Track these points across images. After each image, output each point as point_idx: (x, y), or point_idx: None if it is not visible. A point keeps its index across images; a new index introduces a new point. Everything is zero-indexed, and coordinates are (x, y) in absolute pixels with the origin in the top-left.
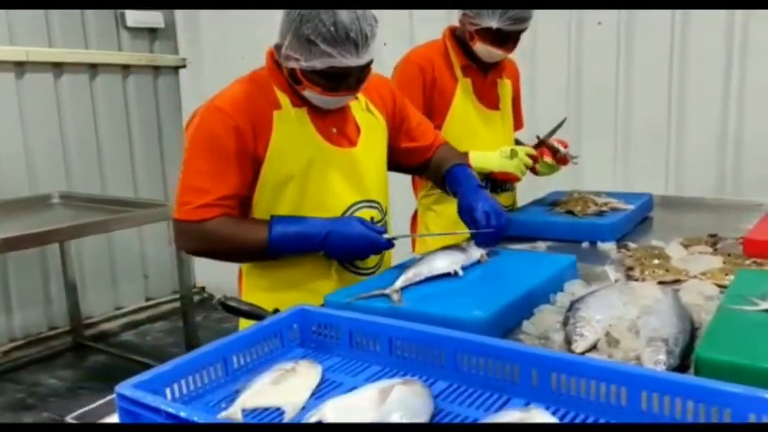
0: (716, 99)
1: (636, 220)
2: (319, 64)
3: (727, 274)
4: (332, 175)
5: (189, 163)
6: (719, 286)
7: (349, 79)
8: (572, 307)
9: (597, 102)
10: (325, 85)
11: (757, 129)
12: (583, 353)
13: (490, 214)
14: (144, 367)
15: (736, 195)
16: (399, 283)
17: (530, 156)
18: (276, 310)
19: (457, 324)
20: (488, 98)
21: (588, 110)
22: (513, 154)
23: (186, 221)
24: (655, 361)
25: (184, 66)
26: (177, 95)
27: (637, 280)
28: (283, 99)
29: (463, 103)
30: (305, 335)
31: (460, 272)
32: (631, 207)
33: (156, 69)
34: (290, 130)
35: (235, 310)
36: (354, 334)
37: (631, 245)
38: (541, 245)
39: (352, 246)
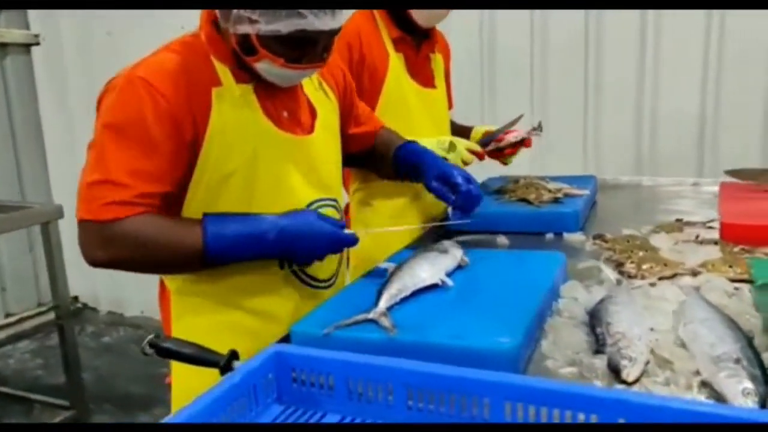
0: (631, 80)
1: (590, 207)
2: (284, 27)
3: (731, 266)
4: (285, 168)
5: (102, 148)
6: (733, 280)
7: (316, 48)
8: (596, 319)
9: (511, 84)
10: (288, 55)
11: (671, 109)
12: (636, 381)
13: (470, 180)
14: (6, 399)
15: (654, 174)
16: (383, 303)
17: (473, 152)
18: (233, 353)
19: (480, 357)
20: (423, 75)
21: (502, 92)
22: (452, 148)
23: (93, 221)
24: (743, 391)
25: (37, 43)
26: (30, 77)
27: (633, 277)
28: (224, 73)
29: (396, 81)
30: (283, 386)
31: (450, 282)
32: (586, 192)
33: (2, 47)
34: (232, 112)
35: (173, 353)
36: (353, 382)
37: (608, 236)
38: (503, 239)
39: (311, 245)
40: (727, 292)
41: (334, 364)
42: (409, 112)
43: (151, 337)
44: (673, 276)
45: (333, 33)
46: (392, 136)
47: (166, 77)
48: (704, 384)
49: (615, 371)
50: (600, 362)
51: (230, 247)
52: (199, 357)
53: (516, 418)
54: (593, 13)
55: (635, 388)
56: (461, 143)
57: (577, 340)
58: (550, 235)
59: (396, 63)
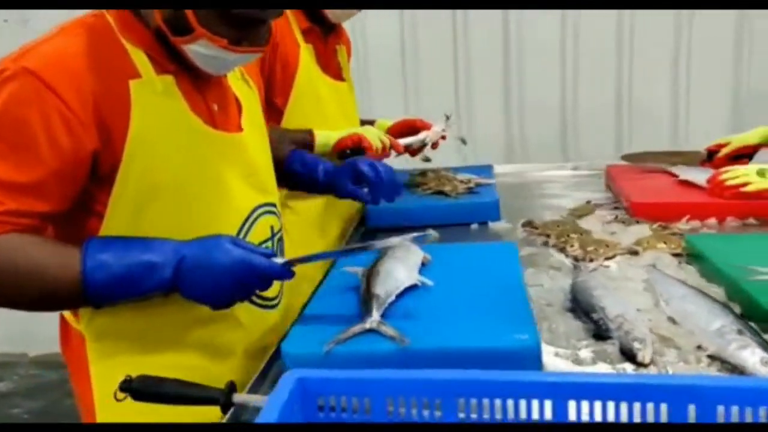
0: (499, 72)
1: None
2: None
3: (665, 242)
4: (223, 172)
5: None
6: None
7: (260, 30)
8: (586, 305)
9: (384, 76)
10: (231, 36)
11: (536, 100)
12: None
13: (376, 166)
14: None
15: (524, 161)
16: (376, 310)
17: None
18: (232, 386)
19: (505, 357)
20: (331, 67)
21: (376, 85)
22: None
23: None
24: (762, 360)
25: None
26: None
27: (581, 260)
28: (141, 61)
29: (308, 73)
30: (309, 416)
31: (429, 282)
32: (493, 181)
33: None
34: (156, 109)
35: (156, 396)
36: (394, 402)
37: (537, 222)
38: (433, 233)
39: (226, 281)
40: (676, 267)
41: (370, 385)
42: (321, 105)
43: (124, 379)
44: (614, 256)
45: (279, 14)
46: (280, 132)
47: (65, 71)
48: (712, 358)
49: (628, 354)
50: (612, 347)
51: (116, 280)
52: (195, 395)
53: (588, 416)
54: (460, 14)
55: (651, 368)
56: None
57: (574, 328)
58: (474, 226)
59: (306, 54)
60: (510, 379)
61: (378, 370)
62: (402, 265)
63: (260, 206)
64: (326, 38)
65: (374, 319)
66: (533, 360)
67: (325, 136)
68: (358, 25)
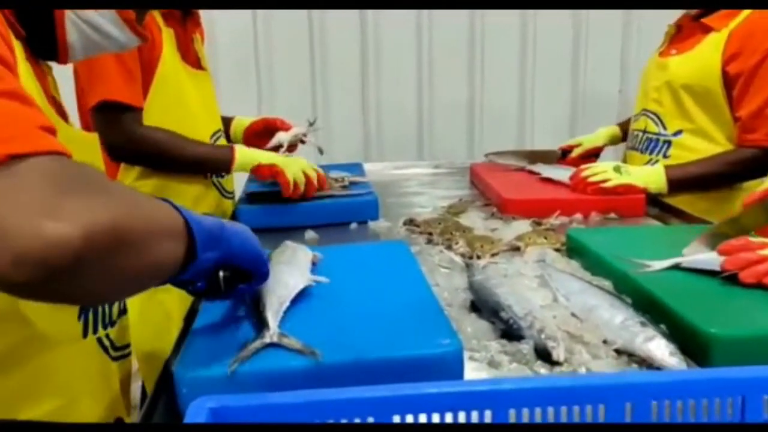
0: (356, 73)
1: None
2: None
3: (546, 238)
4: None
5: None
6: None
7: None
8: (492, 303)
9: (236, 79)
10: (139, 16)
11: (393, 98)
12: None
13: None
14: None
15: (380, 159)
16: (272, 321)
17: None
18: (120, 421)
19: (431, 366)
20: (191, 55)
21: (227, 87)
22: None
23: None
24: (669, 352)
25: None
26: None
27: (467, 257)
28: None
29: (171, 60)
30: None
31: (324, 280)
32: (367, 179)
33: None
34: (28, 79)
35: None
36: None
37: (418, 220)
38: (312, 234)
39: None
40: (563, 261)
41: (300, 409)
42: (184, 95)
43: None
44: (498, 252)
45: None
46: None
47: None
48: (619, 351)
49: (543, 354)
50: (526, 347)
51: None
52: None
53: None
54: (316, 13)
55: (565, 366)
56: None
57: (481, 328)
58: (354, 225)
59: (168, 39)
60: (452, 390)
61: (301, 391)
62: (291, 268)
63: None
64: (185, 23)
65: (273, 331)
66: (457, 365)
67: (250, 155)
68: (206, 16)
